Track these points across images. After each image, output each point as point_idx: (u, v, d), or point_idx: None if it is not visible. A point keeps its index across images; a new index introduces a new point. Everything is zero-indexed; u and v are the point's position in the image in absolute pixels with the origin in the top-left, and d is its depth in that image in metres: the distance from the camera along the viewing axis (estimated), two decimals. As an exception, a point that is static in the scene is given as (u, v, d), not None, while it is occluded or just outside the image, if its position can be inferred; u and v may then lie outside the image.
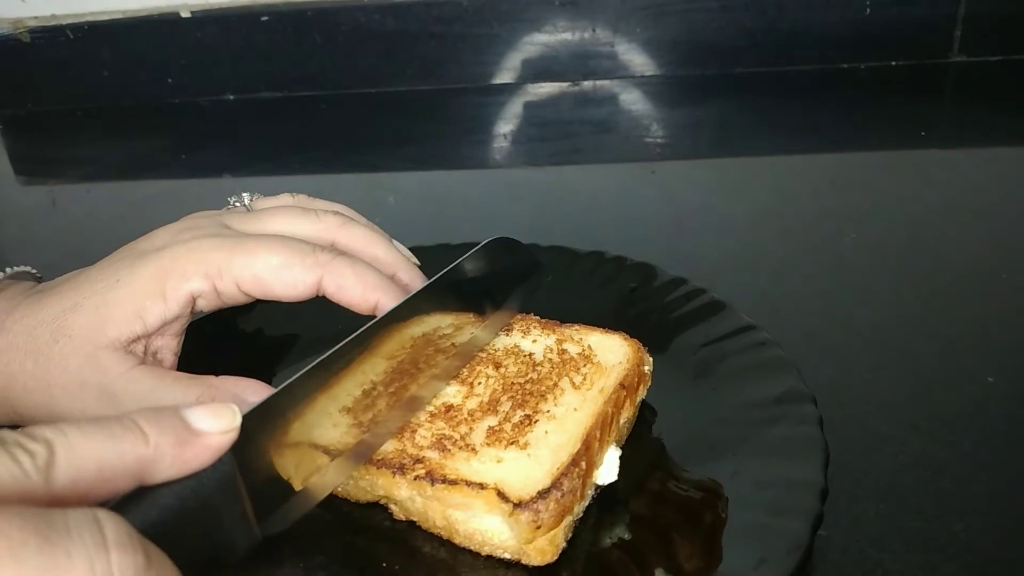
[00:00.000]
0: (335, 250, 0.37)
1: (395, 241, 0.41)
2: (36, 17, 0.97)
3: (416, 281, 0.39)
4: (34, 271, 0.40)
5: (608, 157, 0.76)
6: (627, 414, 0.34)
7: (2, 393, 0.34)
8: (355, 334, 0.32)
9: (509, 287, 0.39)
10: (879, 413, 0.38)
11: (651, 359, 0.36)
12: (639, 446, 0.35)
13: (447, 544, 0.31)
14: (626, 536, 0.31)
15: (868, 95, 0.83)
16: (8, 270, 0.38)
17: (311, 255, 0.36)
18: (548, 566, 0.29)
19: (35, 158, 0.95)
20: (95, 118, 0.99)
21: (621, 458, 0.33)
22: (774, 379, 0.36)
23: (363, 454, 0.31)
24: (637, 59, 0.91)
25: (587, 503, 0.31)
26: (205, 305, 0.36)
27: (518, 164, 0.78)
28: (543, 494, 0.28)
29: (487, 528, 0.30)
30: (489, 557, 0.30)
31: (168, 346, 0.36)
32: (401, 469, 0.31)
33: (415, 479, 0.30)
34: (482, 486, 0.29)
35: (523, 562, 0.30)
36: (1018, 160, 0.68)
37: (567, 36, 0.90)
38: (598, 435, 0.31)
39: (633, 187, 0.69)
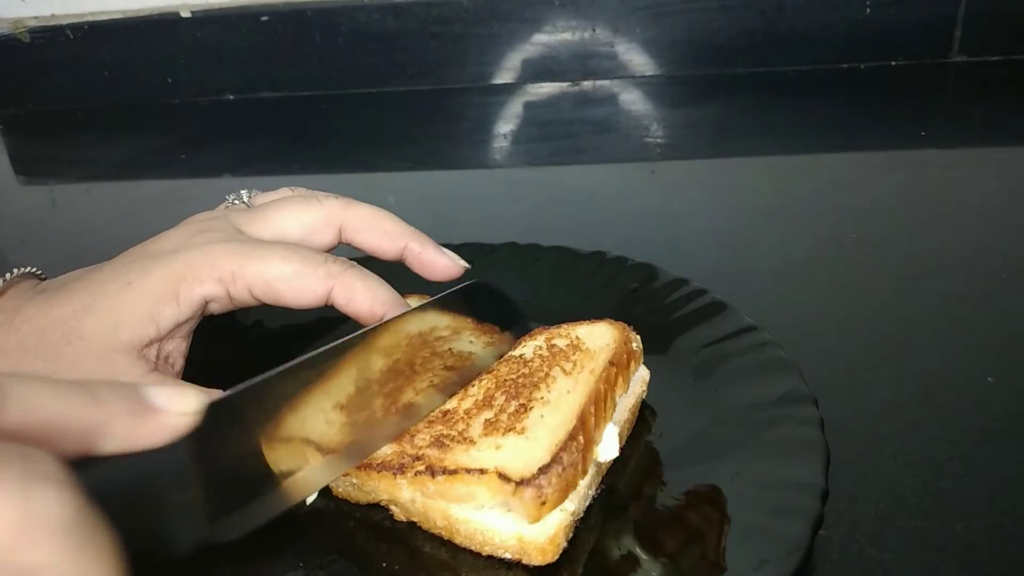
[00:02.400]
0: (347, 262, 0.37)
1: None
2: (36, 17, 0.97)
3: (428, 247, 0.39)
4: (37, 271, 0.40)
5: (608, 157, 0.76)
6: (621, 391, 0.34)
7: None
8: (344, 339, 0.32)
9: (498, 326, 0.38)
10: (879, 413, 0.38)
11: (639, 337, 0.36)
12: (639, 447, 0.35)
13: (447, 544, 0.31)
14: (626, 536, 0.31)
15: (868, 95, 0.83)
16: (9, 275, 0.38)
17: (323, 265, 0.36)
18: (548, 566, 0.29)
19: (35, 158, 0.95)
20: (95, 118, 0.99)
21: (621, 458, 0.33)
22: (775, 380, 0.36)
23: (338, 467, 0.30)
24: (637, 59, 0.91)
25: (588, 503, 0.31)
26: (216, 308, 0.36)
27: (518, 164, 0.78)
28: (544, 469, 0.28)
29: (488, 527, 0.30)
30: (490, 557, 0.30)
31: (179, 349, 0.36)
32: (401, 469, 0.31)
33: (415, 475, 0.30)
34: (482, 471, 0.29)
35: (523, 562, 0.30)
36: (1018, 160, 0.68)
37: (567, 36, 0.90)
38: (592, 411, 0.31)
39: (633, 187, 0.69)
